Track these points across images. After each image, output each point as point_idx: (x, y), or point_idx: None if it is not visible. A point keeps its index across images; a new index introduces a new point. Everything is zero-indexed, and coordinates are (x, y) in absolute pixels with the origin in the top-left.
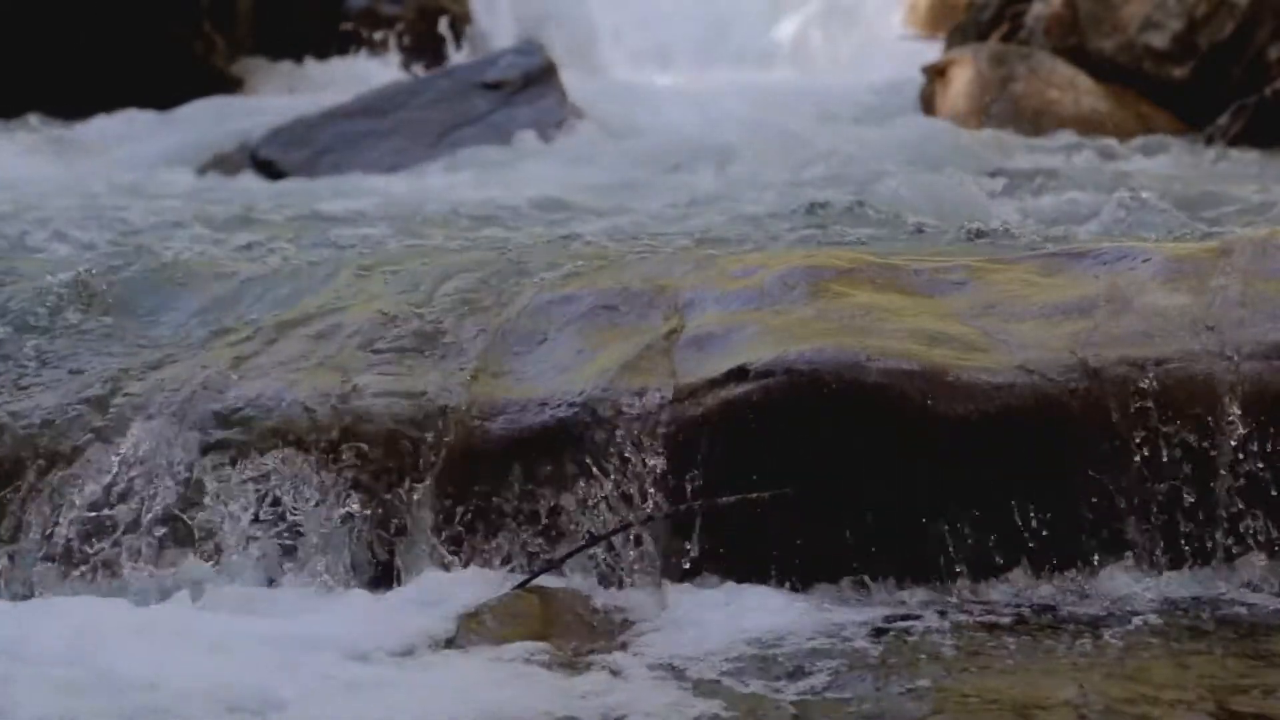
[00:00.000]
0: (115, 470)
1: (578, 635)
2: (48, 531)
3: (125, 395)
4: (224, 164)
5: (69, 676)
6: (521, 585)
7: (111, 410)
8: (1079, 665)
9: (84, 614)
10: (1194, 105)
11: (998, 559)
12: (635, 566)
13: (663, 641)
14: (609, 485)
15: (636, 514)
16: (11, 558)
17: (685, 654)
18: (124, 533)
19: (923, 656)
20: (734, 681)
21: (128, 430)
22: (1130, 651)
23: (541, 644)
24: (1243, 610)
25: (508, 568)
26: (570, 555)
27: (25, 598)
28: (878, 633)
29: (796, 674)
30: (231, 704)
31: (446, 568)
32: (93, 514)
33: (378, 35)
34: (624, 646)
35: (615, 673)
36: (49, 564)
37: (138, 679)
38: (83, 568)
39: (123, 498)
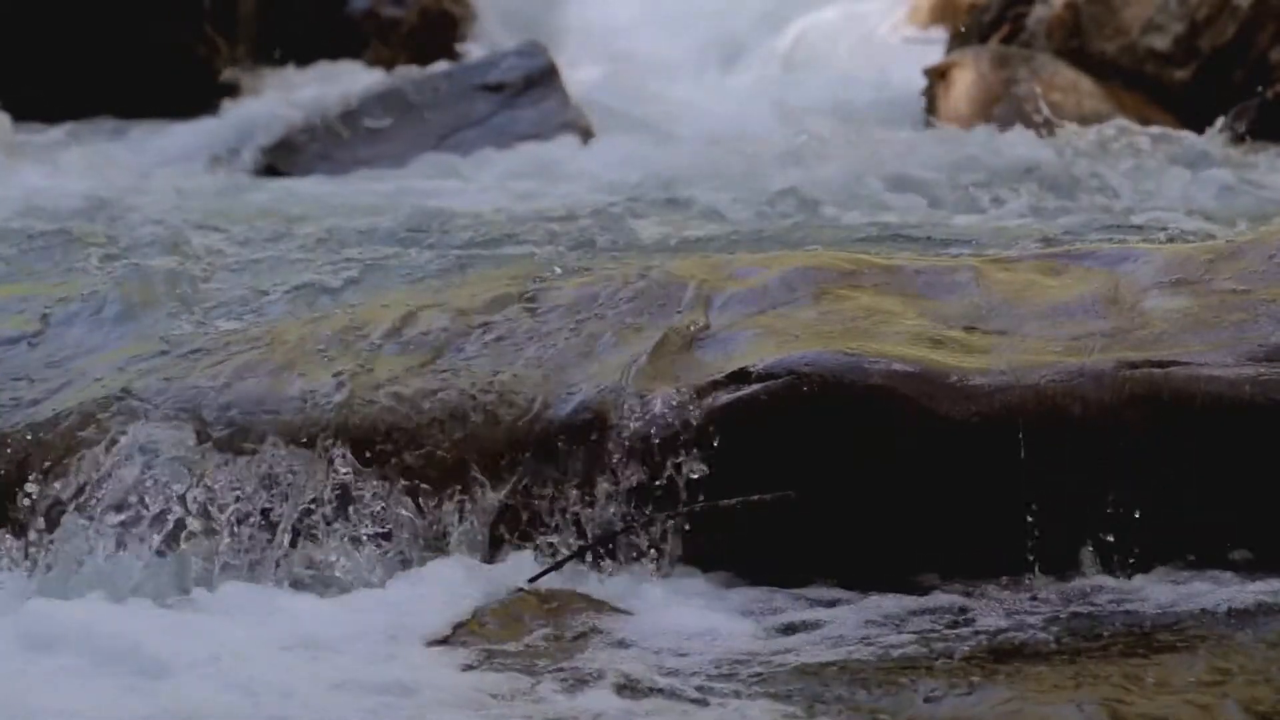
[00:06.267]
0: (131, 467)
1: (576, 636)
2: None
3: (137, 395)
4: (227, 166)
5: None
6: (526, 584)
7: (125, 410)
8: (1085, 677)
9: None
10: (1196, 107)
11: (1000, 562)
12: (637, 567)
13: (663, 642)
14: (612, 486)
15: (638, 516)
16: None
17: (684, 655)
18: (138, 530)
19: (922, 662)
20: (732, 681)
21: (137, 428)
22: (1151, 659)
23: (539, 647)
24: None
25: (515, 565)
26: (570, 559)
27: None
28: (876, 635)
29: (796, 675)
30: (233, 706)
31: (455, 566)
32: (110, 509)
33: (379, 37)
34: (623, 647)
35: (612, 675)
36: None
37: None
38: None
39: (138, 494)
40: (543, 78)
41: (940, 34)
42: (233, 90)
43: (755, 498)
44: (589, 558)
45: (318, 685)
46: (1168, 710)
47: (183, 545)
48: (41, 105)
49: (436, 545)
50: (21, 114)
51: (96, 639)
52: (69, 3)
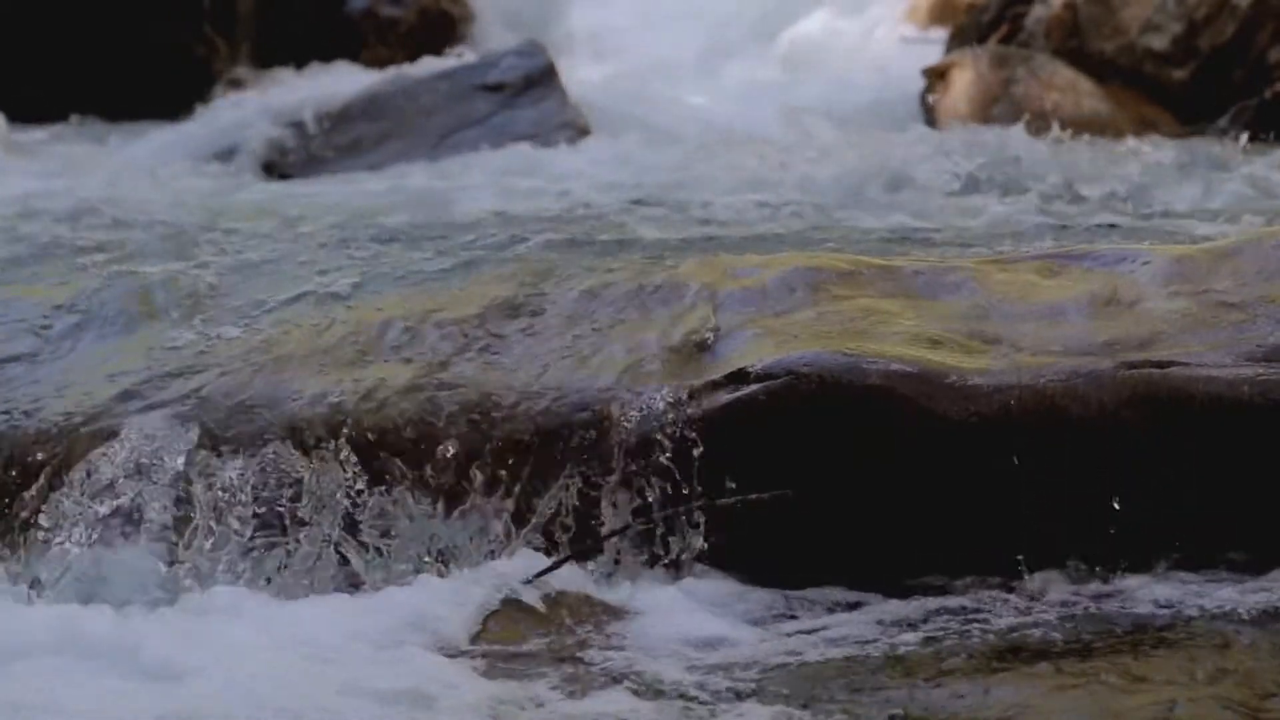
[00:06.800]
0: (130, 472)
1: (584, 639)
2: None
3: (136, 399)
4: (225, 167)
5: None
6: (526, 584)
7: (125, 414)
8: (1087, 676)
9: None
10: (1195, 107)
11: (1000, 562)
12: (634, 567)
13: (670, 645)
14: (612, 486)
15: (636, 516)
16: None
17: (692, 658)
18: (140, 535)
19: (927, 662)
20: (741, 683)
21: (137, 432)
22: (1152, 659)
23: (547, 651)
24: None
25: (517, 566)
26: (567, 559)
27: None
28: (880, 636)
29: (802, 677)
30: (237, 710)
31: (458, 568)
32: (110, 514)
33: (378, 37)
34: (631, 650)
35: (620, 679)
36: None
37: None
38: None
39: (138, 498)
40: (542, 78)
41: (939, 34)
42: (231, 90)
43: (753, 496)
44: (595, 558)
45: (325, 690)
46: (1169, 710)
47: (184, 550)
48: (39, 105)
49: (439, 547)
50: (19, 114)
51: (96, 643)
52: (68, 3)
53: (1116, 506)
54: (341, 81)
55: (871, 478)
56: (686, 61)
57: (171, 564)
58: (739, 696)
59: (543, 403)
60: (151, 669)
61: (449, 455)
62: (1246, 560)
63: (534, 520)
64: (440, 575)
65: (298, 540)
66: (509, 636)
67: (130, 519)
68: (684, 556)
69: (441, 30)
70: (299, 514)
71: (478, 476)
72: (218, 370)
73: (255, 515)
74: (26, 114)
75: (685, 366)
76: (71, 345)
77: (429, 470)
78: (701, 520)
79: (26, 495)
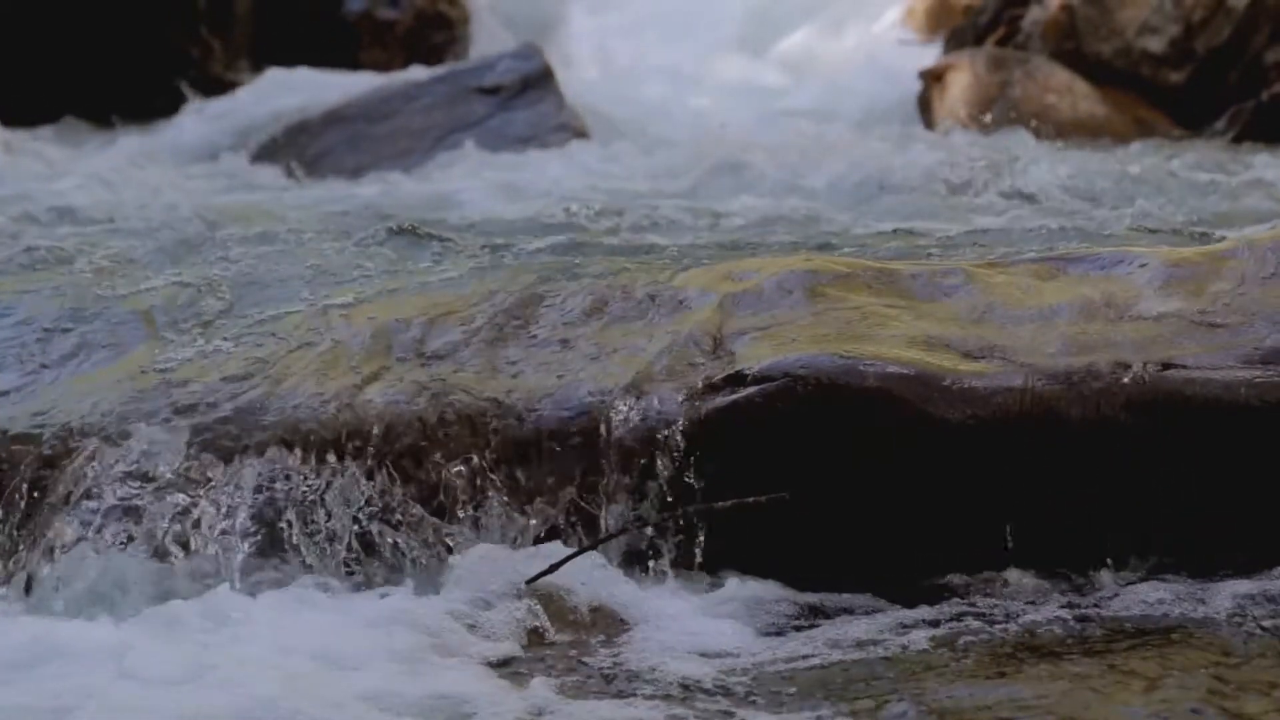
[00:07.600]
0: (140, 476)
1: (582, 642)
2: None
3: (136, 404)
4: (220, 169)
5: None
6: (524, 587)
7: (125, 420)
8: (1085, 676)
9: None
10: (1191, 109)
11: (995, 564)
12: (632, 569)
13: (656, 643)
14: (611, 488)
15: (635, 518)
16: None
17: (697, 661)
18: (145, 541)
19: (931, 661)
20: (745, 684)
21: (141, 435)
22: (1150, 659)
23: (545, 652)
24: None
25: (518, 568)
26: (564, 561)
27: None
28: (882, 637)
29: (806, 678)
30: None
31: (450, 566)
32: (113, 521)
33: (375, 39)
34: (630, 651)
35: (605, 677)
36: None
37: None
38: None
39: (142, 504)
40: (539, 80)
41: (936, 36)
42: (227, 92)
43: (750, 500)
44: (600, 561)
45: (337, 696)
46: (1169, 710)
47: (193, 557)
48: (34, 107)
49: (443, 552)
50: (12, 115)
51: (104, 650)
52: (63, 3)
53: (1115, 508)
54: (338, 84)
55: (870, 480)
56: (684, 64)
57: (180, 571)
58: (749, 699)
59: (544, 407)
60: (163, 676)
61: (452, 460)
62: (1246, 560)
63: (534, 523)
64: (444, 579)
65: (303, 547)
66: (517, 641)
67: (138, 526)
68: (691, 560)
69: (438, 32)
70: (305, 521)
71: (481, 481)
72: (218, 377)
73: (260, 522)
74: (20, 115)
75: (684, 370)
76: (69, 352)
77: (432, 475)
78: (702, 523)
79: (31, 504)
